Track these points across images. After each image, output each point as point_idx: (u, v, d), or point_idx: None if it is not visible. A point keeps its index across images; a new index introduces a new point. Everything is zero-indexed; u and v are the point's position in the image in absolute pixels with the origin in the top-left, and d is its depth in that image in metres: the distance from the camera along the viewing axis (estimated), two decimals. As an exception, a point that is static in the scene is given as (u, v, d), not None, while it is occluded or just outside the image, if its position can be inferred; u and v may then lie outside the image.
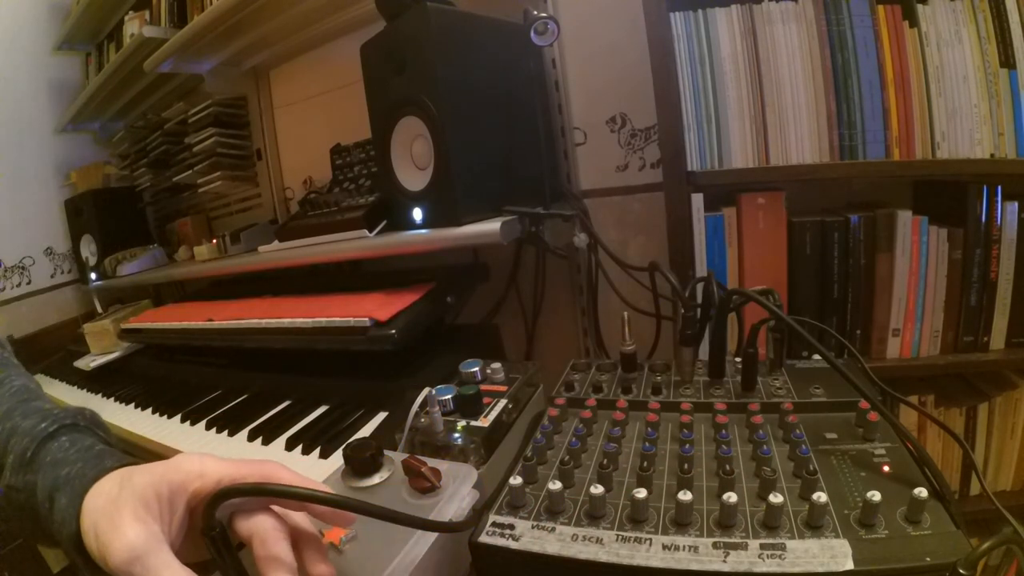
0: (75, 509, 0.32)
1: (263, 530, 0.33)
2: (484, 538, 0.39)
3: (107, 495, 0.32)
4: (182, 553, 0.31)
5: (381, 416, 0.77)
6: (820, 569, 0.32)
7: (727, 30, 0.79)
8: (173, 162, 1.52)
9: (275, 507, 0.34)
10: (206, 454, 0.35)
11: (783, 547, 0.34)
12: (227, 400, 0.96)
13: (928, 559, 0.31)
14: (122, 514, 0.30)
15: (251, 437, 0.80)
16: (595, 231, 0.95)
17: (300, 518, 0.35)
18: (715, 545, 0.35)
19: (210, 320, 1.01)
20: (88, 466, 0.35)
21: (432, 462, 0.45)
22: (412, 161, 0.84)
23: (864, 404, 0.46)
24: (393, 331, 0.75)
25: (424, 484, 0.43)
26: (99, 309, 1.57)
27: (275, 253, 1.04)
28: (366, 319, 0.77)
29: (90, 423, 0.41)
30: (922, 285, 0.79)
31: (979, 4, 0.75)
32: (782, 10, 0.78)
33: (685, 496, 0.37)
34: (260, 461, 0.35)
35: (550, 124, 0.99)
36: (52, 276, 1.73)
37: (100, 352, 1.32)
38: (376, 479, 0.43)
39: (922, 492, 0.34)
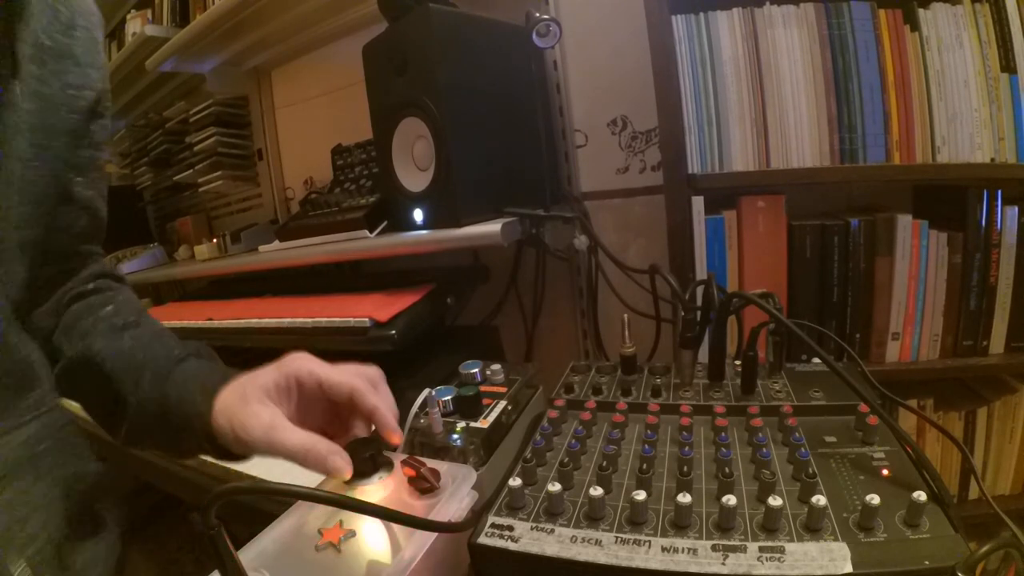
0: (208, 405, 0.41)
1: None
2: (483, 539, 0.39)
3: (236, 393, 0.42)
4: (304, 425, 0.41)
5: (380, 416, 0.77)
6: (819, 572, 0.32)
7: (728, 33, 0.79)
8: (174, 161, 1.52)
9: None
10: (312, 357, 0.44)
11: (782, 550, 0.34)
12: (226, 399, 0.95)
13: (927, 563, 0.31)
14: (250, 403, 0.40)
15: (250, 437, 0.79)
16: (595, 233, 0.95)
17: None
18: (714, 547, 0.35)
19: (210, 320, 1.01)
20: (215, 377, 0.44)
21: (431, 463, 0.45)
22: (413, 162, 0.84)
23: (863, 408, 0.46)
24: (393, 332, 0.75)
25: (423, 485, 0.43)
26: (99, 308, 1.57)
27: (275, 253, 1.04)
28: (366, 319, 0.77)
29: (208, 355, 0.50)
30: (922, 289, 0.79)
31: (980, 8, 0.75)
32: (783, 13, 0.78)
33: (684, 498, 0.37)
34: (356, 370, 0.44)
35: (551, 126, 0.99)
36: (52, 274, 1.73)
37: (99, 351, 1.31)
38: (375, 479, 0.43)
39: (921, 496, 0.34)
